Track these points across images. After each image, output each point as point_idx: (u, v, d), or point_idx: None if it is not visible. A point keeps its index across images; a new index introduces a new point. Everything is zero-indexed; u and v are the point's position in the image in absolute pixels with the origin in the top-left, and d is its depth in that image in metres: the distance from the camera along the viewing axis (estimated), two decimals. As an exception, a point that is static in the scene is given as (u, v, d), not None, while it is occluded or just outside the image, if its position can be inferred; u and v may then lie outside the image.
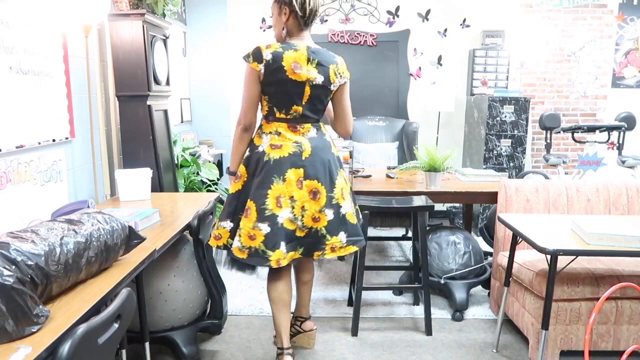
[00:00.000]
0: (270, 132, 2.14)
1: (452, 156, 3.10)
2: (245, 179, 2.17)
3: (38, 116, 2.29)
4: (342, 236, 2.17)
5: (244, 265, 2.29)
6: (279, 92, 2.08)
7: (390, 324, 2.89)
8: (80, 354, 1.09)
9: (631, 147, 5.03)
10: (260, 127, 2.20)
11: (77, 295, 1.43)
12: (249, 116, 2.14)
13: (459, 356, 2.56)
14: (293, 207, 2.09)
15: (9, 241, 1.29)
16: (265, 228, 2.05)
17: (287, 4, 2.07)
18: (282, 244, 2.07)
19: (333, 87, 2.15)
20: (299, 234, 2.14)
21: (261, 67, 2.04)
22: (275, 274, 2.26)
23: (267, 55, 2.03)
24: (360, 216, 2.40)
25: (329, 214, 2.13)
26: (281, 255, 2.07)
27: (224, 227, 2.20)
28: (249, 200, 2.11)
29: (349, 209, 2.20)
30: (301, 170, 2.10)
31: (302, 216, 2.12)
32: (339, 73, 2.15)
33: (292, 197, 2.09)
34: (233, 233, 2.17)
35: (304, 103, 2.11)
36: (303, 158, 2.10)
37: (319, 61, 2.08)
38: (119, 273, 1.60)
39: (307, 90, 2.08)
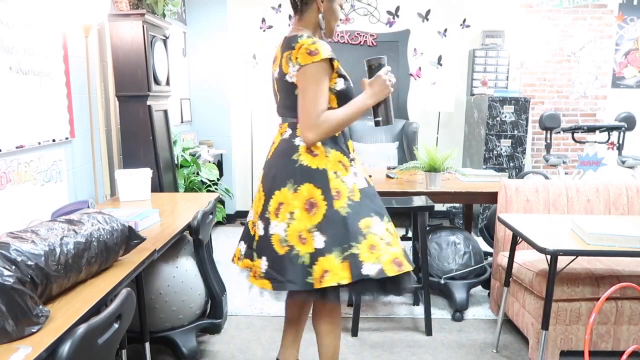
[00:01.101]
0: None
1: (452, 156, 3.09)
2: None
3: (38, 116, 2.29)
4: (263, 263, 1.79)
5: None
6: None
7: (390, 324, 2.89)
8: (80, 354, 1.09)
9: (631, 147, 5.03)
10: None
11: (77, 296, 1.43)
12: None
13: (459, 356, 2.56)
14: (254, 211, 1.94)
15: (9, 241, 1.29)
16: None
17: None
18: (242, 243, 1.97)
19: (289, 78, 1.77)
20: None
21: None
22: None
23: None
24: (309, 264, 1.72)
25: (260, 229, 1.82)
26: (238, 253, 1.98)
27: None
28: None
29: (279, 231, 1.74)
30: (262, 173, 1.94)
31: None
32: (292, 59, 1.73)
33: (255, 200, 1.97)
34: None
35: (278, 100, 1.93)
36: (266, 160, 1.93)
37: (282, 50, 1.82)
38: (119, 273, 1.60)
39: (276, 85, 1.90)
